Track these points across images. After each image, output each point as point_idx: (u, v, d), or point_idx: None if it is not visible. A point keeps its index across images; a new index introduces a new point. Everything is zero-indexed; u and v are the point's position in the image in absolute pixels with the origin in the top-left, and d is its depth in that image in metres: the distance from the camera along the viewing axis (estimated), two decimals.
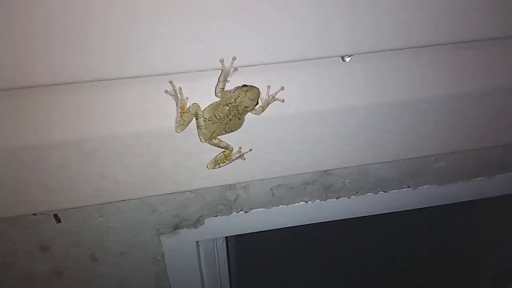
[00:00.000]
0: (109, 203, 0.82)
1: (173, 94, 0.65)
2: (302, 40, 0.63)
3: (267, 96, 0.69)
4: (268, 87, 0.69)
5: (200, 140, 0.69)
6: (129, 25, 0.58)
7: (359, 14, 0.62)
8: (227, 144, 0.72)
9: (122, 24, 0.57)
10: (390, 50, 0.67)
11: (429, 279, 1.56)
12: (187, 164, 0.74)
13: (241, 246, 1.30)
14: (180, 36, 0.60)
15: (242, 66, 0.64)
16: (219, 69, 0.63)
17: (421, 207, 1.05)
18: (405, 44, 0.66)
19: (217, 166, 0.74)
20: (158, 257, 0.99)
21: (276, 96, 0.69)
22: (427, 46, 0.69)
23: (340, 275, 1.53)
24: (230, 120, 0.67)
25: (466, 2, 0.65)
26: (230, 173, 0.79)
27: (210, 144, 0.70)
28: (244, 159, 0.76)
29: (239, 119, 0.67)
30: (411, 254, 1.46)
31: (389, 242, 1.41)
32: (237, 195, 0.92)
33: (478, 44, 0.72)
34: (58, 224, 0.84)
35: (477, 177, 1.01)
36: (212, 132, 0.68)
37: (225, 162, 0.74)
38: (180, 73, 0.63)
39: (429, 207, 1.07)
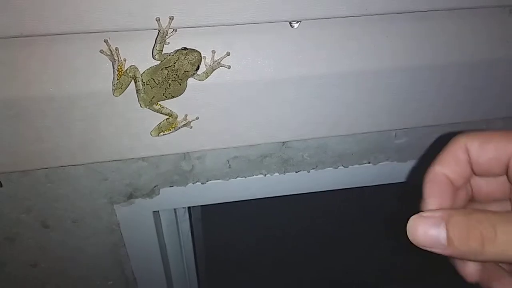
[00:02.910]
0: (53, 168, 0.79)
1: (109, 54, 0.62)
2: (246, 2, 0.60)
3: (211, 62, 0.66)
4: (213, 51, 0.66)
5: (140, 105, 0.67)
6: None
7: None
8: (171, 110, 0.69)
9: None
10: (341, 17, 0.64)
11: (389, 257, 1.57)
12: (129, 130, 0.71)
13: (206, 219, 1.29)
14: None
15: (182, 27, 0.61)
16: (157, 29, 0.60)
17: (382, 183, 1.04)
18: (353, 12, 0.63)
19: (161, 133, 0.71)
20: (113, 226, 0.98)
21: (221, 62, 0.66)
22: (381, 14, 0.66)
23: (309, 248, 1.54)
24: (169, 85, 0.64)
25: None
26: (179, 142, 0.76)
27: (152, 110, 0.68)
28: (191, 127, 0.73)
29: (180, 84, 0.64)
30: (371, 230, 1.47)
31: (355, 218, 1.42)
32: (193, 165, 0.90)
33: (436, 14, 0.69)
34: (2, 188, 0.82)
35: None
36: (152, 97, 0.65)
37: (170, 130, 0.71)
38: (114, 31, 0.60)
39: (393, 184, 1.06)
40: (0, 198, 0.85)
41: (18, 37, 0.58)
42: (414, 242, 0.36)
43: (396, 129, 0.91)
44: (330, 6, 0.61)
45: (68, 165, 0.79)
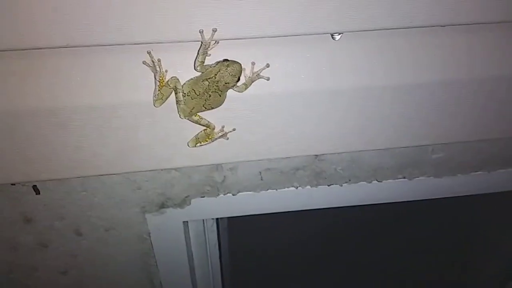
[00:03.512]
0: (89, 176, 0.80)
1: (151, 65, 0.63)
2: (288, 14, 0.60)
3: (251, 73, 0.66)
4: (253, 63, 0.65)
5: (180, 116, 0.67)
6: None
7: None
8: (209, 121, 0.69)
9: None
10: (382, 29, 0.63)
11: (421, 275, 1.53)
12: (167, 140, 0.72)
13: (233, 229, 1.28)
14: (159, 4, 0.57)
15: (224, 39, 0.61)
16: (199, 41, 0.60)
17: (417, 199, 1.01)
18: (398, 24, 0.62)
19: (198, 144, 0.71)
20: (144, 235, 0.98)
21: (260, 74, 0.66)
22: (423, 27, 0.65)
23: (334, 260, 1.51)
24: (210, 96, 0.64)
25: None
26: (213, 153, 0.76)
27: (190, 120, 0.68)
28: (227, 138, 0.73)
29: (220, 95, 0.64)
30: (405, 248, 1.43)
31: (387, 235, 1.39)
32: (224, 176, 0.89)
33: (478, 28, 0.67)
34: (39, 196, 0.83)
35: (477, 171, 0.97)
36: (192, 108, 0.65)
37: (207, 141, 0.71)
38: (158, 43, 0.60)
39: (426, 200, 1.03)
40: (36, 205, 0.87)
41: (64, 47, 0.59)
42: None
43: (433, 144, 0.89)
44: (375, 18, 0.60)
45: (104, 174, 0.79)
